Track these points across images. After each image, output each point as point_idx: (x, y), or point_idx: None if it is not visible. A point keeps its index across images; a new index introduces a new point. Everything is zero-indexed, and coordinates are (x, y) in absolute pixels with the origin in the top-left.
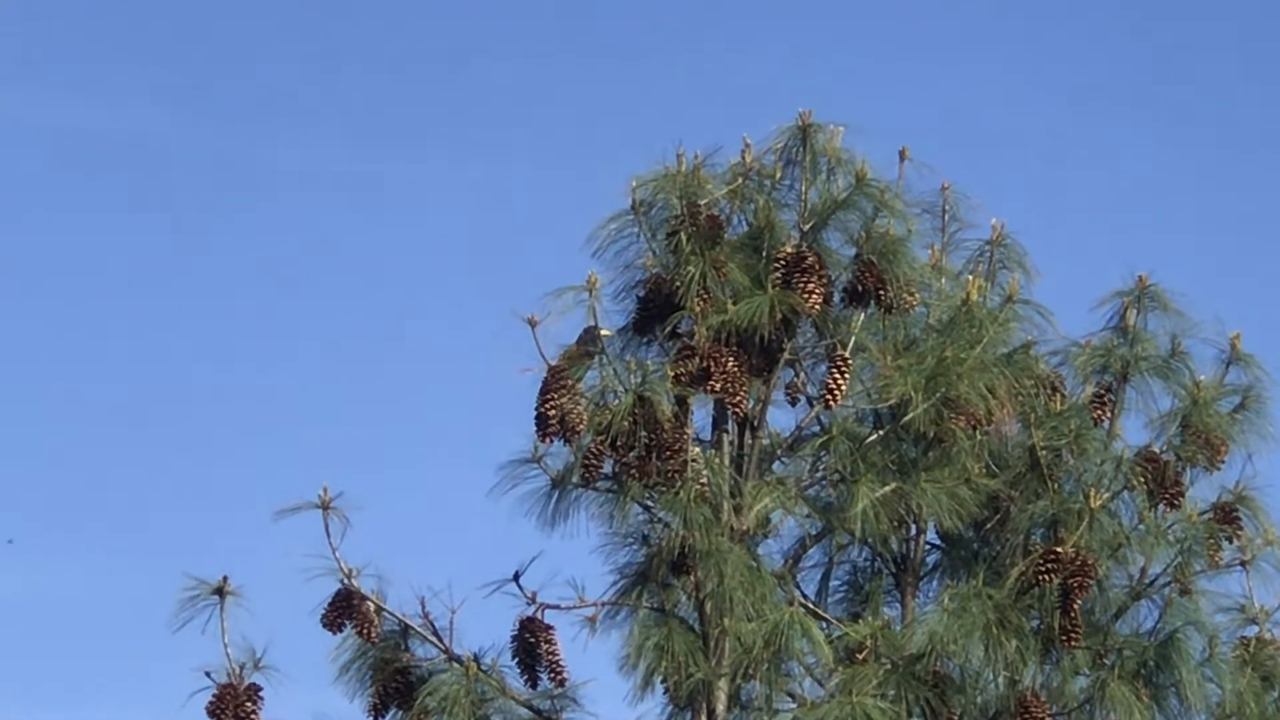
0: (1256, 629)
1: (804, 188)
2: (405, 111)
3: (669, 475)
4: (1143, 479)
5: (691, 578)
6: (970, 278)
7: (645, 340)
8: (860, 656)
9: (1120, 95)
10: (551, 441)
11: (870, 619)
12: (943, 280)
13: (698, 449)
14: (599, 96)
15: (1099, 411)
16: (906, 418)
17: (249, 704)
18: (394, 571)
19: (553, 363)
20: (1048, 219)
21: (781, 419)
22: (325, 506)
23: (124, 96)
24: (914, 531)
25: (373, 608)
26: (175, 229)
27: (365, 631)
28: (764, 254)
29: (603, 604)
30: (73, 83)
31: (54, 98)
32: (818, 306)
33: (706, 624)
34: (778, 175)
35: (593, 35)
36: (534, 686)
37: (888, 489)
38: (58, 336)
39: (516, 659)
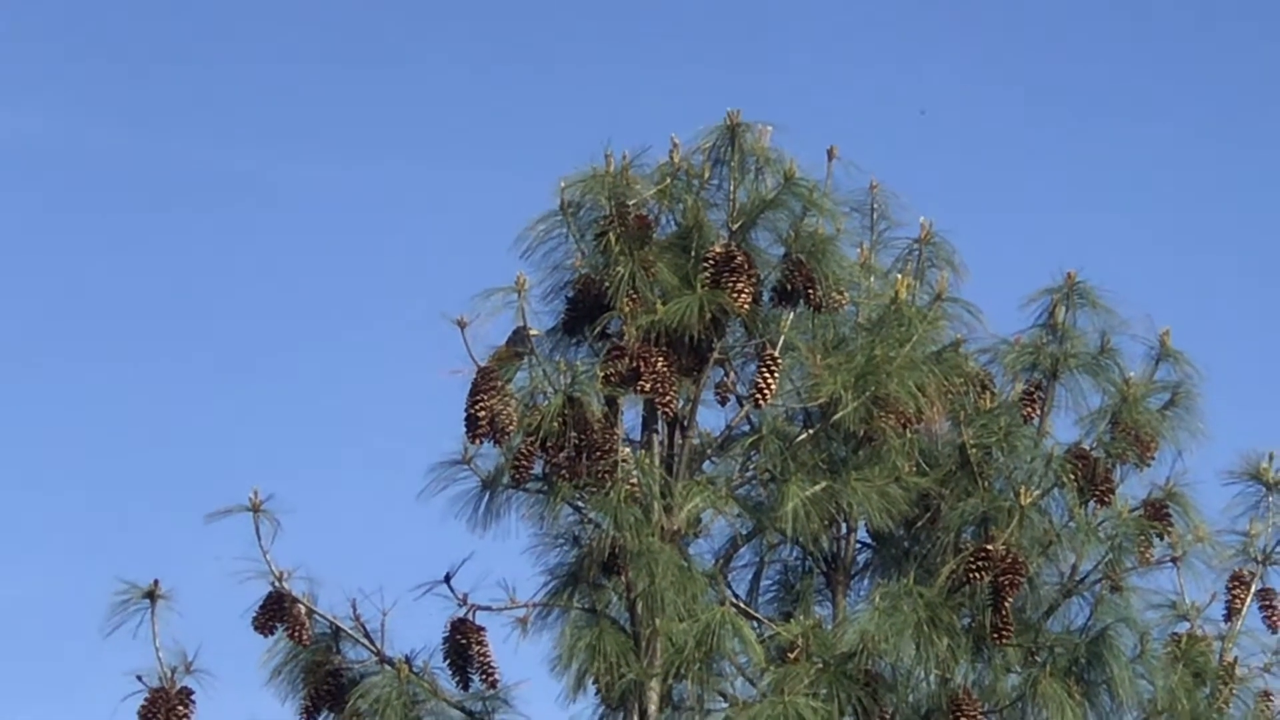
0: (1188, 625)
1: (732, 187)
2: (336, 113)
3: (599, 476)
4: (1073, 476)
5: (623, 578)
6: (899, 276)
7: (575, 341)
8: (792, 656)
9: (1047, 90)
10: (481, 443)
11: (802, 618)
12: (871, 279)
13: (628, 449)
14: (527, 96)
15: (1029, 409)
16: (836, 416)
17: (181, 708)
18: (325, 574)
19: (482, 364)
20: (976, 216)
21: (711, 419)
22: (256, 509)
23: (54, 102)
24: (845, 530)
25: (304, 610)
26: (104, 235)
27: (297, 634)
28: (693, 254)
29: (534, 605)
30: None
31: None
32: (747, 306)
33: (638, 624)
34: (706, 175)
35: (522, 36)
36: (466, 688)
37: (818, 488)
38: None
39: (448, 661)
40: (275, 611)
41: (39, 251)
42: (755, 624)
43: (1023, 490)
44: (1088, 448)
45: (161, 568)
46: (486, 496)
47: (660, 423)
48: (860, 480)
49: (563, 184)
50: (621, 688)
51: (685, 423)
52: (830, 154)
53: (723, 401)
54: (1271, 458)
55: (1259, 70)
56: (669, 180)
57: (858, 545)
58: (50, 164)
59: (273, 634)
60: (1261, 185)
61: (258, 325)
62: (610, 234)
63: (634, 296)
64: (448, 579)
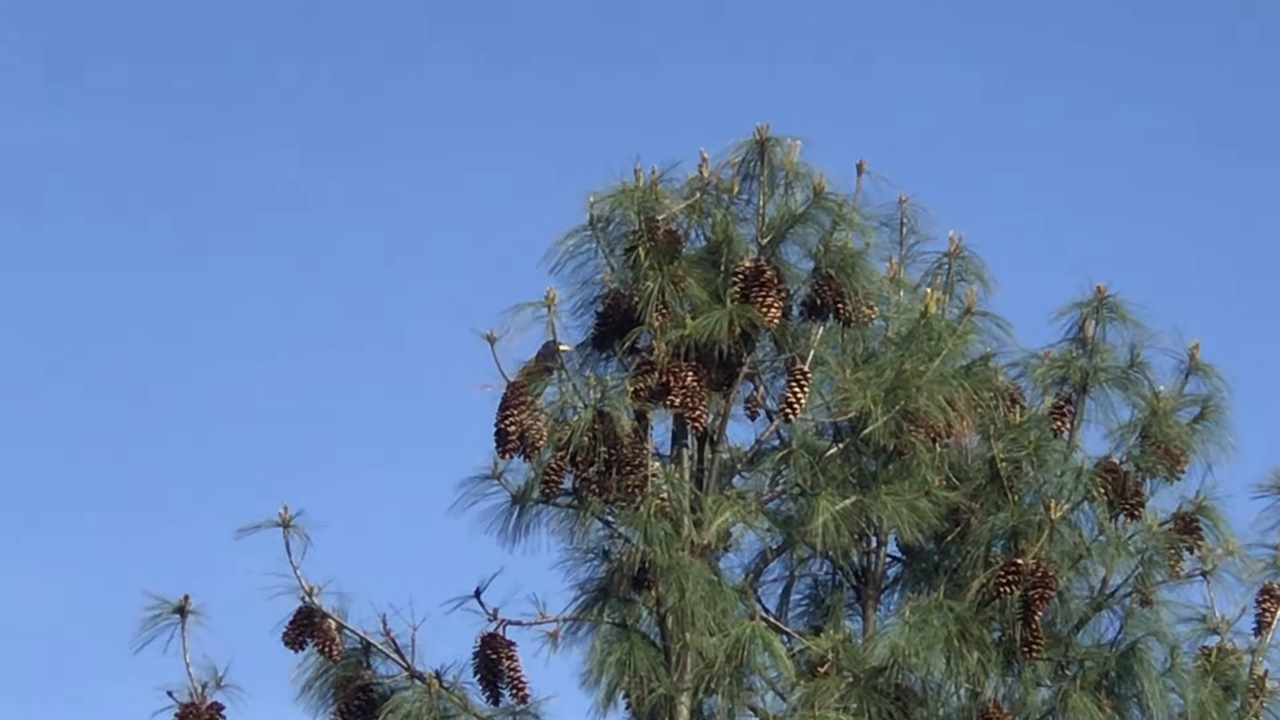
0: (1218, 639)
1: (762, 202)
2: (368, 123)
3: (629, 490)
4: (1103, 490)
5: (653, 593)
6: (928, 290)
7: (604, 356)
8: (822, 670)
9: (1079, 105)
10: (511, 457)
11: (832, 632)
12: (901, 293)
13: (657, 464)
14: (557, 110)
15: (1058, 423)
16: (866, 431)
17: None
18: (355, 589)
19: (512, 379)
20: (1005, 230)
21: (741, 433)
22: (286, 524)
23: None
24: (875, 544)
25: (334, 625)
26: (131, 242)
27: (327, 649)
28: (722, 268)
29: (564, 620)
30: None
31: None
32: (776, 320)
33: (668, 639)
34: (735, 189)
35: (553, 44)
36: (496, 703)
37: (848, 502)
38: (7, 350)
39: (478, 675)
40: (305, 626)
41: (67, 258)
42: (785, 638)
43: (1053, 504)
44: (1117, 461)
45: (192, 583)
46: (516, 511)
47: (690, 437)
48: (890, 494)
49: (592, 199)
50: (652, 702)
51: (715, 437)
52: (859, 168)
53: (752, 416)
54: None
55: None
56: (698, 195)
57: (888, 559)
58: (79, 173)
59: (303, 649)
60: None
61: (287, 337)
62: (640, 249)
63: (663, 311)
64: (478, 594)
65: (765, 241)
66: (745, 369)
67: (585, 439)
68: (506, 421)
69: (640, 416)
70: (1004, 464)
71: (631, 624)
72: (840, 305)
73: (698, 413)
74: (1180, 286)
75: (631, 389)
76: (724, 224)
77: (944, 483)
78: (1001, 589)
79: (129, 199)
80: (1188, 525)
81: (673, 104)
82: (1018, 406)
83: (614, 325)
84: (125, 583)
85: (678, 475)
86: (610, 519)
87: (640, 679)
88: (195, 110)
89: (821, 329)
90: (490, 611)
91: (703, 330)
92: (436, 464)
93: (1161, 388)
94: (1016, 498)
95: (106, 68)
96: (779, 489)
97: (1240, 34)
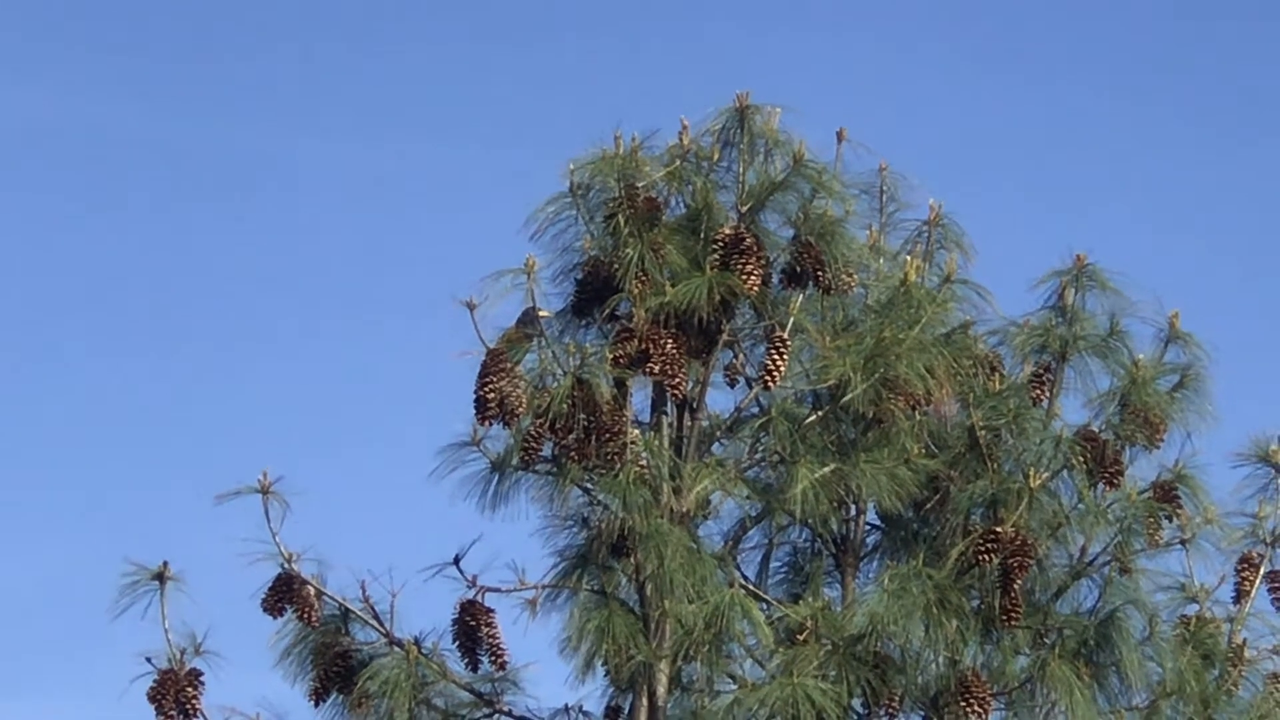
0: (1197, 607)
1: (742, 169)
2: (343, 93)
3: (608, 457)
4: (1082, 458)
5: (632, 560)
6: (908, 258)
7: (584, 323)
8: (801, 638)
9: (1055, 72)
10: (491, 424)
11: (811, 600)
12: (881, 261)
13: (637, 431)
14: (537, 77)
15: (1038, 391)
16: (845, 398)
17: (190, 689)
18: (334, 556)
19: (492, 346)
20: (985, 198)
21: (720, 400)
22: (265, 491)
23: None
24: (854, 512)
25: (313, 592)
26: (105, 209)
27: (306, 616)
28: (702, 236)
29: (543, 587)
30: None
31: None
32: (756, 288)
33: (647, 606)
34: (715, 157)
35: (534, 13)
36: (475, 669)
37: (827, 470)
38: None
39: (457, 642)
40: (284, 593)
41: (49, 233)
42: (764, 606)
43: (1032, 472)
44: (1097, 430)
45: (171, 549)
46: (496, 478)
47: (669, 405)
48: (869, 462)
49: (572, 166)
50: (630, 669)
51: (694, 404)
52: (839, 136)
53: (732, 383)
54: None
55: (1270, 55)
56: (678, 162)
57: (867, 527)
58: (61, 145)
59: (282, 615)
60: (1271, 169)
61: (267, 306)
62: (619, 216)
63: (643, 278)
64: (457, 561)
65: (745, 209)
66: (725, 336)
67: (565, 406)
68: (486, 388)
69: (620, 384)
70: (983, 432)
71: (610, 591)
72: (820, 273)
73: (677, 380)
74: (1160, 254)
75: (611, 356)
76: (704, 191)
77: (923, 450)
78: (980, 557)
79: (113, 172)
80: (1167, 493)
81: (652, 72)
82: (997, 374)
83: (594, 292)
84: (105, 549)
85: (657, 442)
86: (589, 486)
87: (619, 646)
88: (179, 80)
89: (801, 296)
90: (469, 578)
91: (682, 297)
92: (416, 430)
93: (1141, 356)
94: (996, 466)
95: (75, 35)
96: (758, 456)
97: (1215, 6)
